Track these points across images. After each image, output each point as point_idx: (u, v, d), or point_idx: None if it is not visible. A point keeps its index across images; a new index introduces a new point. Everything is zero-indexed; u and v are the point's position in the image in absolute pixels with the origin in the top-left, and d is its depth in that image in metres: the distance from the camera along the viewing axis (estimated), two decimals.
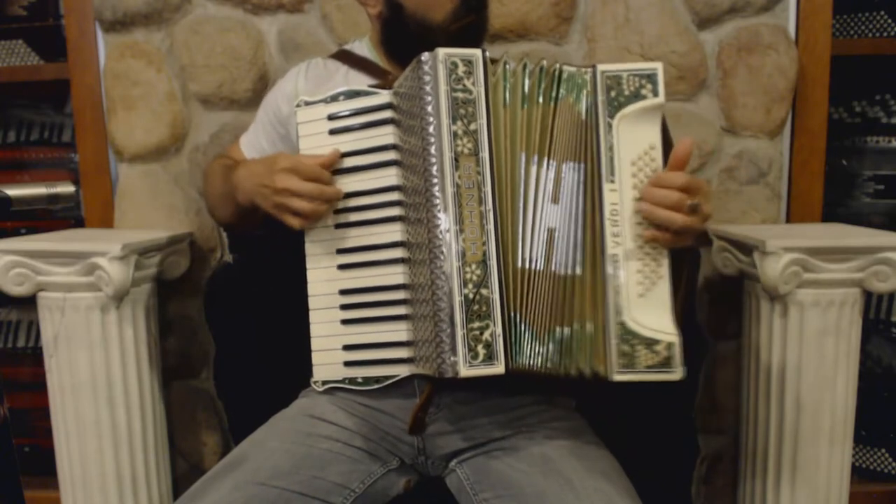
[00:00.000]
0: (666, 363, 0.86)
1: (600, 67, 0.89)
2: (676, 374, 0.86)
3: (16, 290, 1.32)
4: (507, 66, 0.91)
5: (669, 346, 0.86)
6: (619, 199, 0.88)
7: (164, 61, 1.52)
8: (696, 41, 1.47)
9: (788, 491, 1.33)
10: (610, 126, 0.89)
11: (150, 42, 1.52)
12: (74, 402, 1.34)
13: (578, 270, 0.89)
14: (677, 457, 1.58)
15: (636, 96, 0.89)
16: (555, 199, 0.90)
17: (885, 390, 1.72)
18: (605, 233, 0.88)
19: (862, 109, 1.70)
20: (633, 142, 0.89)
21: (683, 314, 0.90)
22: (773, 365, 1.33)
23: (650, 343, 0.86)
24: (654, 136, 0.89)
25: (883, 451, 1.73)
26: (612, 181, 0.89)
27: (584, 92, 0.90)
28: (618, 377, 0.87)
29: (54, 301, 1.32)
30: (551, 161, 0.90)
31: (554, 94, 0.91)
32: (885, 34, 1.64)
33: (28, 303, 1.42)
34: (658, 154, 0.89)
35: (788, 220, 1.55)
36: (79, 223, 1.74)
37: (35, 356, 1.81)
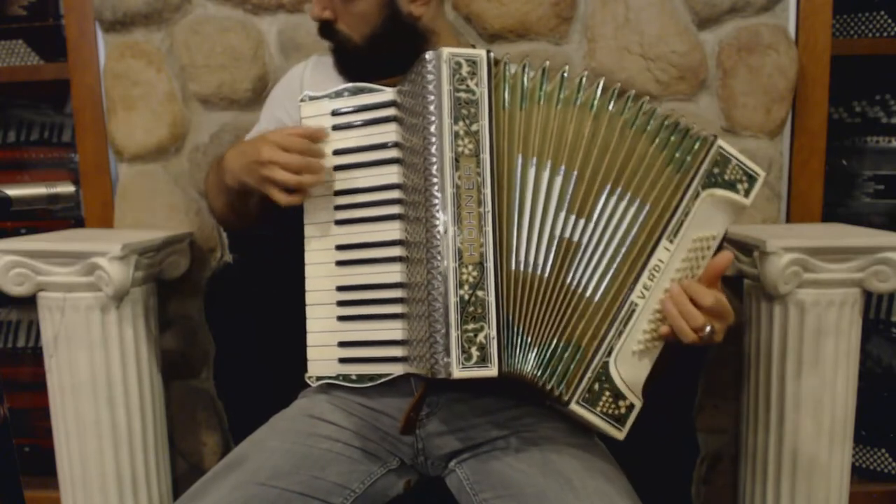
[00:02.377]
0: (620, 419, 0.89)
1: (719, 142, 0.92)
2: (621, 433, 0.90)
3: (16, 290, 1.32)
4: (508, 67, 0.91)
5: (630, 406, 0.90)
6: (667, 260, 0.90)
7: (164, 61, 1.52)
8: (696, 41, 1.47)
9: (788, 491, 1.33)
10: (697, 195, 0.90)
11: (150, 42, 1.52)
12: (74, 402, 1.34)
13: (596, 296, 0.90)
14: (677, 457, 1.58)
15: (731, 186, 0.91)
16: (580, 213, 0.90)
17: (885, 390, 1.72)
18: (638, 280, 0.89)
19: (862, 109, 1.70)
20: (704, 221, 0.91)
21: (646, 395, 0.93)
22: (773, 365, 1.33)
23: (618, 395, 0.89)
24: (721, 230, 0.92)
25: (883, 451, 1.73)
26: (671, 242, 0.90)
27: (692, 153, 0.91)
28: (574, 406, 0.88)
29: (54, 301, 1.32)
30: (570, 171, 0.91)
31: (654, 131, 0.92)
32: (885, 34, 1.64)
33: (28, 303, 1.42)
34: (714, 246, 0.91)
35: (788, 220, 1.55)
36: (79, 223, 1.74)
37: (35, 356, 1.80)
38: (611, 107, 0.92)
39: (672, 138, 0.92)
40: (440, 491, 1.03)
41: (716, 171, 0.91)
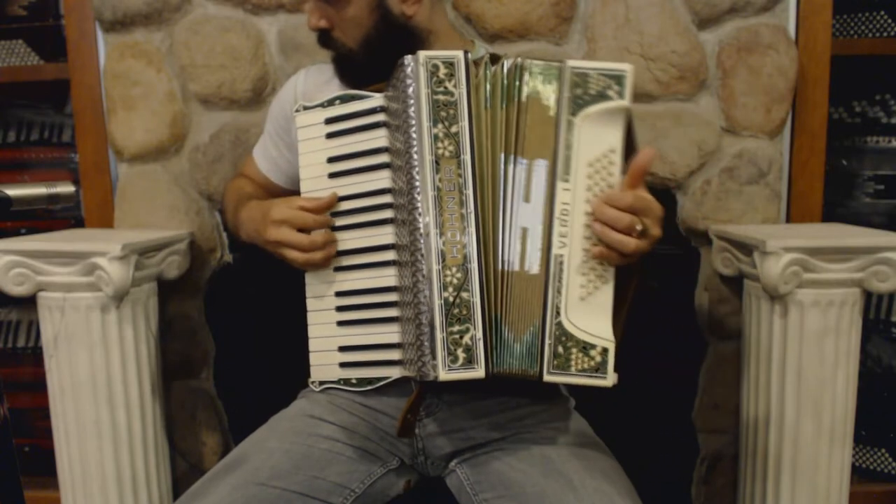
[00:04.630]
0: (598, 368, 0.85)
1: (569, 63, 0.88)
2: (607, 380, 0.85)
3: (16, 290, 1.32)
4: (488, 67, 0.90)
5: (604, 351, 0.85)
6: (572, 199, 0.87)
7: (164, 61, 1.52)
8: (696, 41, 1.47)
9: (788, 491, 1.33)
10: (570, 124, 0.87)
11: (150, 42, 1.52)
12: (74, 402, 1.34)
13: (536, 270, 0.88)
14: (677, 457, 1.58)
15: (601, 96, 0.87)
16: (526, 198, 0.89)
17: (885, 390, 1.72)
18: (553, 232, 0.87)
19: (862, 109, 1.70)
20: (592, 143, 0.87)
21: (628, 324, 0.90)
22: (773, 365, 1.33)
23: (585, 347, 0.86)
24: (616, 140, 0.87)
25: (883, 451, 1.73)
26: (567, 180, 0.87)
27: (552, 86, 0.89)
28: (548, 378, 0.86)
29: (54, 301, 1.32)
30: (523, 159, 0.89)
31: (525, 89, 0.89)
32: (885, 34, 1.64)
33: (28, 303, 1.42)
34: (617, 158, 0.87)
35: (788, 220, 1.55)
36: (79, 223, 1.74)
37: (35, 356, 1.80)
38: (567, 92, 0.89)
39: (545, 81, 0.89)
40: (440, 491, 1.03)
41: (578, 91, 0.87)
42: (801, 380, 1.30)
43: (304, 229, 0.97)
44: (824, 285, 1.28)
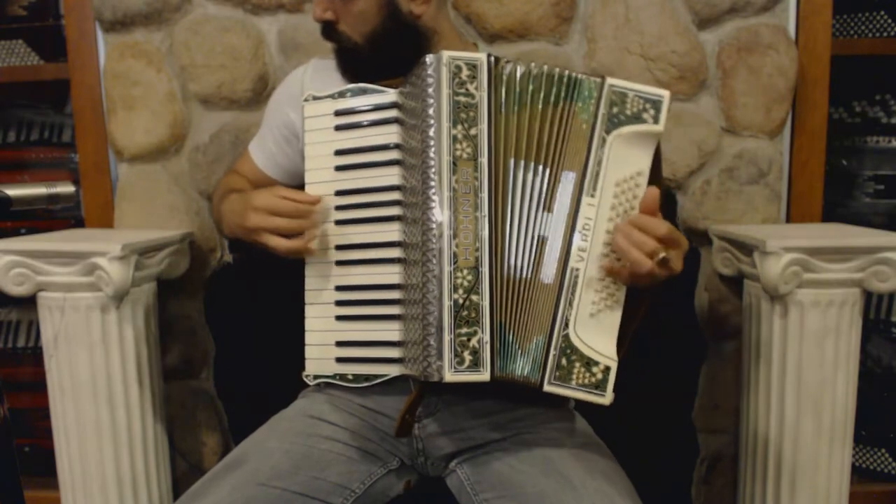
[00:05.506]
0: (598, 385, 0.86)
1: (609, 80, 0.89)
2: (606, 399, 0.86)
3: (16, 290, 1.32)
4: (510, 70, 0.90)
5: (606, 369, 0.86)
6: (595, 215, 0.88)
7: (164, 61, 1.52)
8: (696, 41, 1.47)
9: (788, 491, 1.33)
10: (604, 141, 0.88)
11: (150, 42, 1.52)
12: (74, 402, 1.34)
13: (550, 279, 0.89)
14: (677, 457, 1.58)
15: (637, 118, 0.88)
16: (549, 208, 0.90)
17: (885, 390, 1.72)
18: (572, 245, 0.88)
19: (862, 109, 1.70)
20: (622, 163, 0.88)
21: (631, 347, 0.90)
22: (773, 365, 1.33)
23: (589, 362, 0.87)
24: (645, 163, 0.89)
25: (883, 451, 1.73)
26: (593, 196, 0.88)
27: (590, 101, 0.89)
28: (548, 388, 0.87)
29: (54, 301, 1.32)
30: (545, 168, 0.90)
31: (559, 99, 0.90)
32: (885, 34, 1.64)
33: (28, 303, 1.42)
34: (644, 181, 0.88)
35: (788, 220, 1.55)
36: (79, 223, 1.74)
37: (35, 356, 1.80)
38: (572, 97, 0.90)
39: (582, 95, 0.89)
40: (440, 491, 1.03)
41: (615, 110, 0.88)
42: (801, 380, 1.30)
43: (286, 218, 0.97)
44: (824, 285, 1.28)
